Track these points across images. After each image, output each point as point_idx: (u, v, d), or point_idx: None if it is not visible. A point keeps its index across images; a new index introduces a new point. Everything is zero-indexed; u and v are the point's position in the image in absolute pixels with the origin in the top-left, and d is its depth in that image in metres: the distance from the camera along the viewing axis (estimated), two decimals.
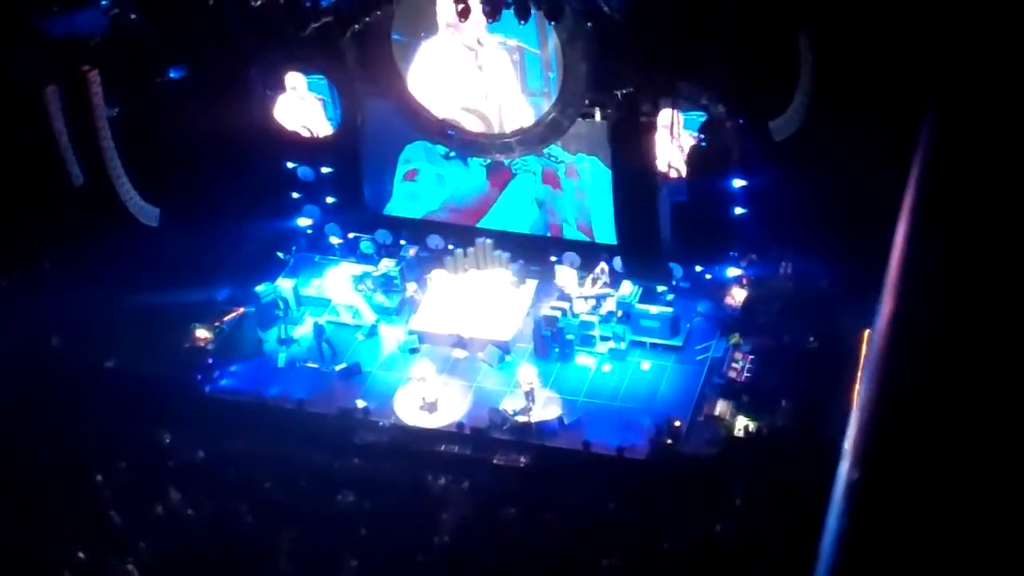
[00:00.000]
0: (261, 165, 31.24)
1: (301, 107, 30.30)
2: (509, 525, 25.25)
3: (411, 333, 30.26)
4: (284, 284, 31.29)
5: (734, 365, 28.12)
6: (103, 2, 28.19)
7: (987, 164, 10.11)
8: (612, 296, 29.74)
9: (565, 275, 30.53)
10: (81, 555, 25.03)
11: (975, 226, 9.27)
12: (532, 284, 31.08)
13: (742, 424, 26.89)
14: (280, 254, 32.58)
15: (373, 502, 25.89)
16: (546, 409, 27.84)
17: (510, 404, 27.89)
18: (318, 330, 30.03)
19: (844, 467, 8.62)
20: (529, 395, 27.75)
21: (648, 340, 29.37)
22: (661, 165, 26.58)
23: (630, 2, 26.49)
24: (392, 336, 30.51)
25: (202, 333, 29.80)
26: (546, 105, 28.79)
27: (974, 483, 7.96)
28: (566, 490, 25.92)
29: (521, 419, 27.49)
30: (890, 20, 24.94)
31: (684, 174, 27.14)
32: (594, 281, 30.25)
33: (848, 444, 9.12)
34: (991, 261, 8.94)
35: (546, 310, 29.84)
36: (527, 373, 28.02)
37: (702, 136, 26.46)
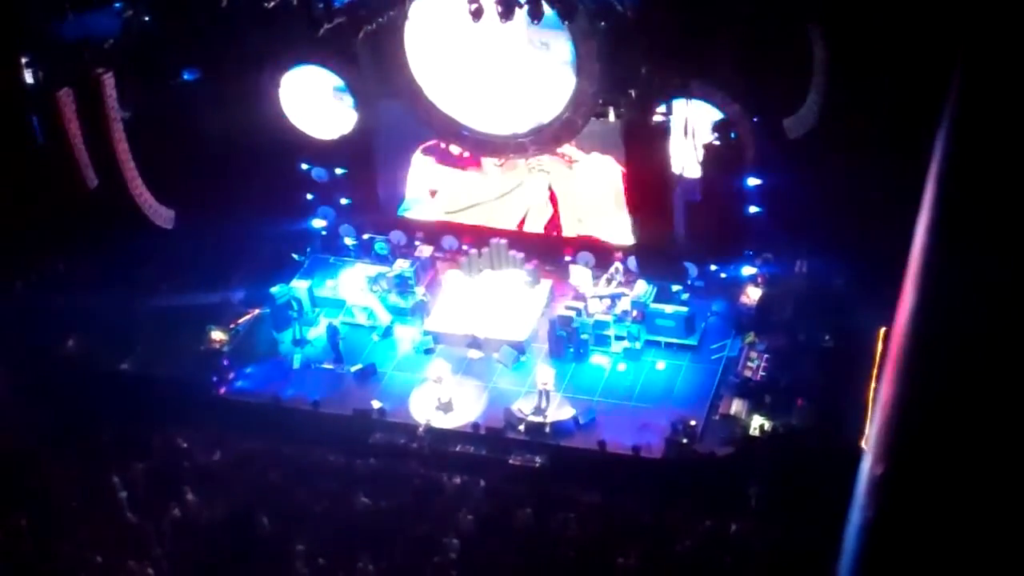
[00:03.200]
0: (275, 167, 31.28)
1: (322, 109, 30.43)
2: (524, 525, 25.24)
3: (426, 334, 30.26)
4: (299, 285, 31.30)
5: (749, 364, 28.02)
6: (117, 5, 28.29)
7: (1006, 162, 10.06)
8: (627, 296, 29.70)
9: (580, 275, 30.52)
10: (98, 557, 25.09)
11: (995, 224, 9.23)
12: (547, 284, 31.08)
13: (757, 423, 26.82)
14: (295, 255, 32.63)
15: (388, 502, 25.91)
16: (560, 409, 27.81)
17: (524, 404, 27.87)
18: (332, 331, 30.03)
19: (867, 463, 8.58)
20: (545, 395, 27.73)
21: (663, 339, 29.33)
22: (675, 164, 26.54)
23: (643, 1, 26.47)
24: (407, 337, 30.52)
25: (217, 335, 29.80)
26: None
27: (996, 478, 7.93)
28: (581, 490, 25.90)
29: (535, 419, 27.47)
30: (904, 16, 24.87)
31: (698, 173, 27.09)
32: (609, 281, 30.23)
33: (871, 440, 9.10)
34: (1011, 259, 8.90)
35: (561, 310, 29.83)
36: (544, 373, 28.00)
37: (716, 135, 26.40)
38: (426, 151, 31.58)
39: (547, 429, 27.35)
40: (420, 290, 30.90)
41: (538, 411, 27.64)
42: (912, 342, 9.21)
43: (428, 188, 31.99)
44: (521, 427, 27.50)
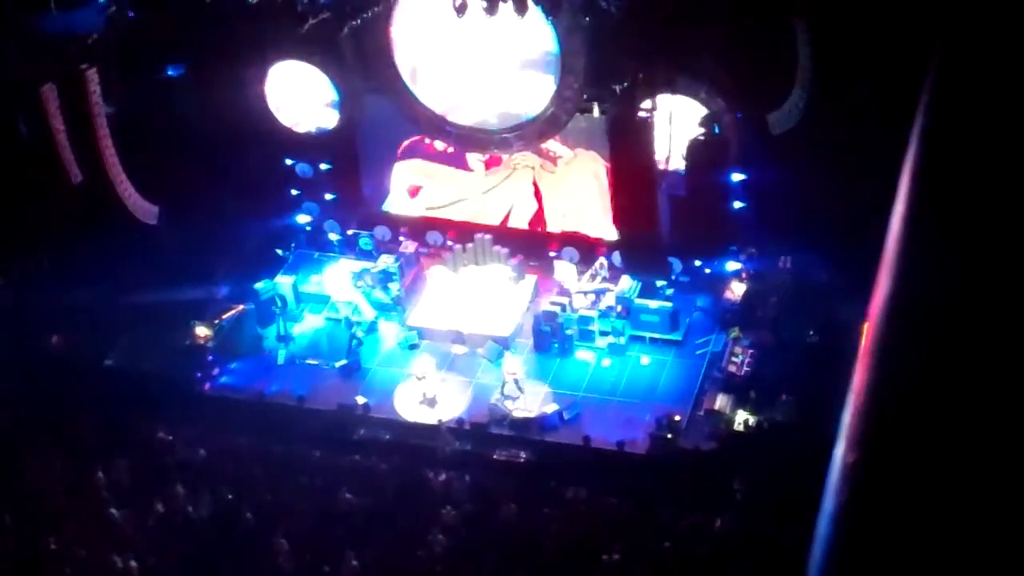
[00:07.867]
0: (260, 162, 31.21)
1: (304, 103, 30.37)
2: (509, 520, 25.23)
3: (410, 329, 30.24)
4: (283, 281, 31.25)
5: (733, 359, 28.03)
6: (100, 0, 28.19)
7: (985, 155, 10.06)
8: (611, 291, 29.72)
9: (564, 270, 30.54)
10: (82, 553, 25.02)
11: (972, 214, 9.24)
12: (531, 279, 31.08)
13: (742, 418, 26.85)
14: (279, 251, 32.57)
15: (373, 498, 25.89)
16: (538, 401, 27.87)
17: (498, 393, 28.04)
18: (348, 325, 29.98)
19: (839, 450, 8.59)
20: (515, 384, 27.80)
21: (647, 335, 29.33)
22: (659, 159, 26.54)
23: None
24: (391, 332, 30.50)
25: (201, 331, 29.72)
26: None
27: (973, 468, 7.93)
28: (566, 485, 25.88)
29: (509, 404, 27.50)
30: (888, 12, 24.90)
31: (683, 168, 27.09)
32: (593, 276, 30.25)
33: (844, 427, 9.11)
34: (987, 247, 8.91)
35: (545, 305, 29.85)
36: (512, 364, 28.10)
37: (700, 130, 26.41)
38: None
39: (531, 424, 27.32)
40: (394, 287, 30.79)
41: (507, 398, 27.69)
42: (884, 329, 9.21)
43: (409, 185, 31.97)
44: (499, 415, 27.51)
